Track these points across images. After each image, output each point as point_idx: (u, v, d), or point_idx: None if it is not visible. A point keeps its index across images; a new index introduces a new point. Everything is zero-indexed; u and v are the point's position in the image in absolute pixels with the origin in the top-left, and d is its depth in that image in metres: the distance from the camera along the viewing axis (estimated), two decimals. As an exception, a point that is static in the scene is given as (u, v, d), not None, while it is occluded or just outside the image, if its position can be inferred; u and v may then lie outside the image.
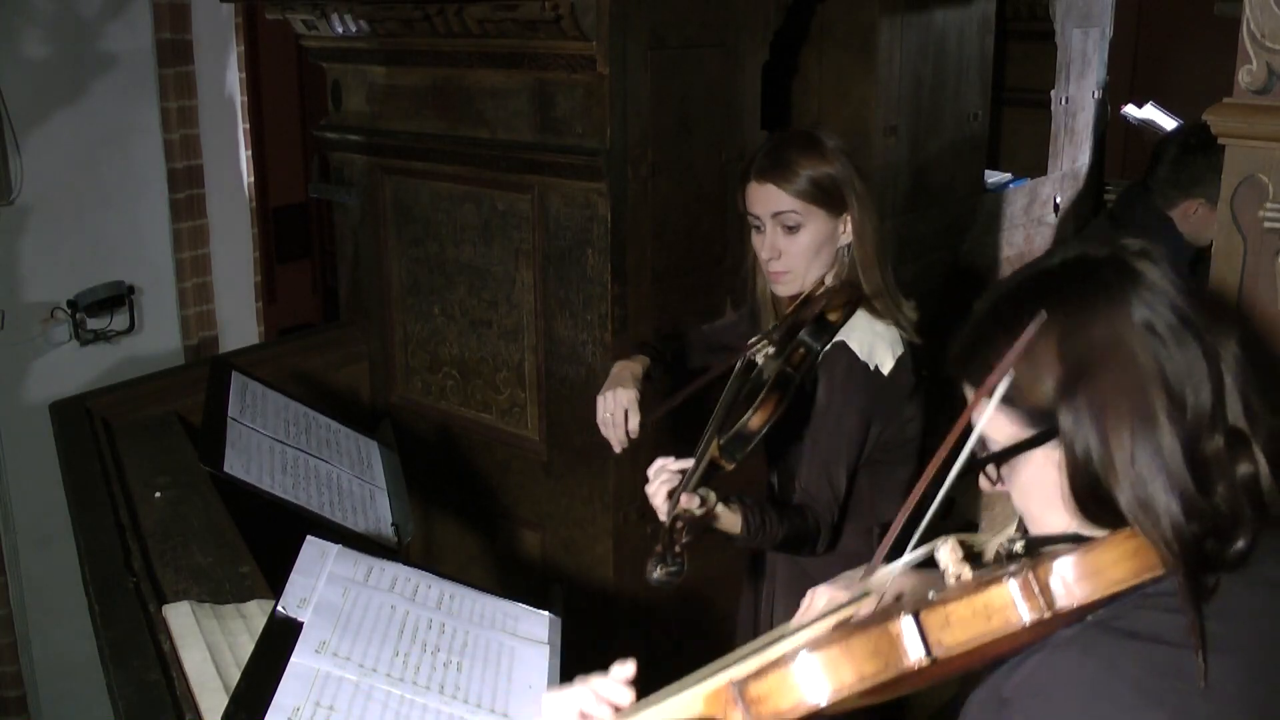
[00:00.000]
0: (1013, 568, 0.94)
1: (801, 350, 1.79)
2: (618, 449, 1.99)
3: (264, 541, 2.01)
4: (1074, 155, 4.27)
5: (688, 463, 1.70)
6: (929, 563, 1.07)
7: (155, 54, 4.00)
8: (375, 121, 3.03)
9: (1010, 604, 0.92)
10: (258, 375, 2.44)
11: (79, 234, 3.90)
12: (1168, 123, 4.22)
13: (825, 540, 1.86)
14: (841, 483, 1.86)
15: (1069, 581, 0.93)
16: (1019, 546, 1.02)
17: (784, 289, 1.96)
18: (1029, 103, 4.16)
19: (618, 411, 1.96)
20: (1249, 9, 1.53)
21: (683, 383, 2.02)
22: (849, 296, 1.88)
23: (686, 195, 2.72)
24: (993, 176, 3.99)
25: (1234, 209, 1.59)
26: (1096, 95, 4.33)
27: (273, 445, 2.20)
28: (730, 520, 1.73)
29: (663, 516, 1.67)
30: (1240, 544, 0.96)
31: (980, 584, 0.94)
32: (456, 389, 3.03)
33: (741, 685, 0.91)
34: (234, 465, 2.03)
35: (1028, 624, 0.91)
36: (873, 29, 3.20)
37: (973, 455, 1.05)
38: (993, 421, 1.04)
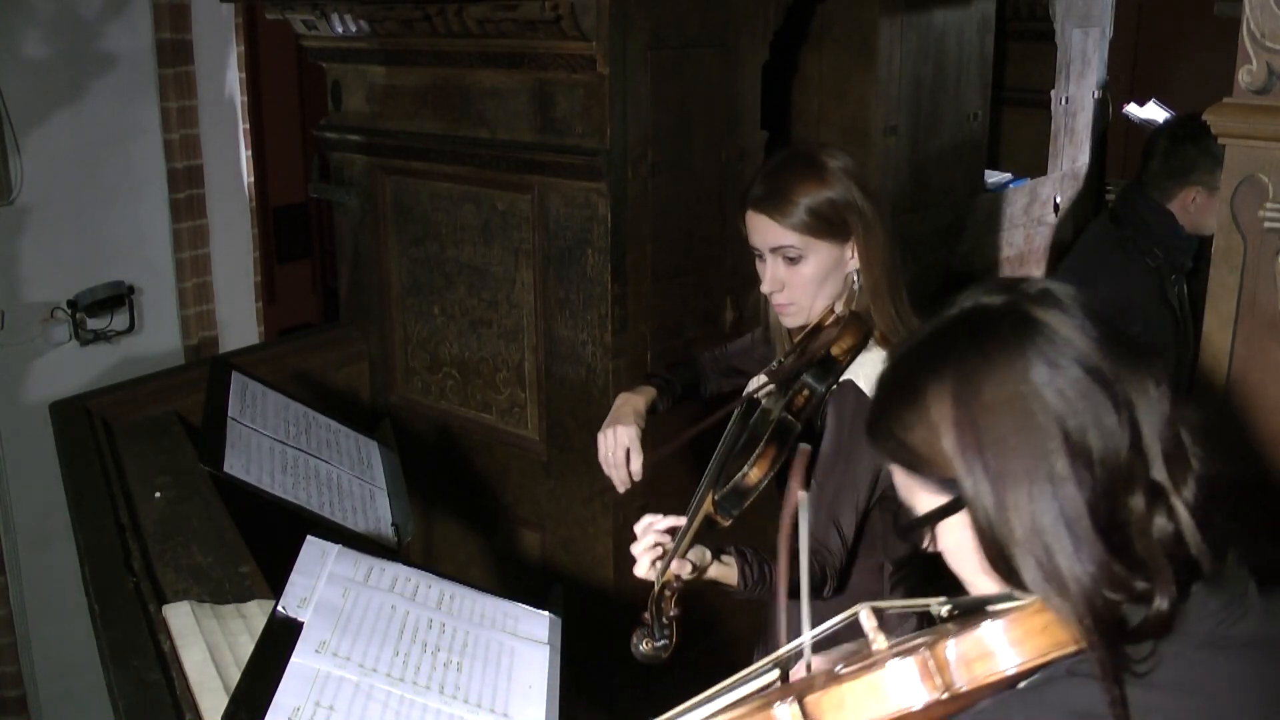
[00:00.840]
0: (918, 640, 0.90)
1: (805, 393, 1.69)
2: (621, 489, 1.90)
3: (264, 541, 2.01)
4: (1074, 155, 4.27)
5: (679, 520, 1.58)
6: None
7: (155, 54, 4.00)
8: (375, 121, 3.03)
9: (904, 684, 0.88)
10: (258, 375, 2.44)
11: (79, 234, 3.90)
12: (1170, 121, 4.22)
13: (831, 587, 1.74)
14: (851, 527, 1.74)
15: (971, 659, 0.87)
16: (945, 611, 0.97)
17: (790, 320, 1.84)
18: (1029, 103, 4.17)
19: (618, 451, 1.87)
20: (1249, 9, 1.53)
21: (698, 410, 1.92)
22: (857, 330, 1.74)
23: (686, 195, 2.72)
24: (993, 176, 3.99)
25: (1234, 209, 1.59)
26: (1096, 95, 4.33)
27: (273, 445, 2.19)
28: (726, 574, 1.60)
29: (643, 574, 1.55)
30: (1160, 604, 0.88)
31: (882, 659, 0.90)
32: (456, 389, 3.03)
33: None
34: (234, 465, 2.03)
35: (922, 706, 0.87)
36: (873, 29, 3.20)
37: (899, 522, 1.02)
38: (910, 488, 1.00)
